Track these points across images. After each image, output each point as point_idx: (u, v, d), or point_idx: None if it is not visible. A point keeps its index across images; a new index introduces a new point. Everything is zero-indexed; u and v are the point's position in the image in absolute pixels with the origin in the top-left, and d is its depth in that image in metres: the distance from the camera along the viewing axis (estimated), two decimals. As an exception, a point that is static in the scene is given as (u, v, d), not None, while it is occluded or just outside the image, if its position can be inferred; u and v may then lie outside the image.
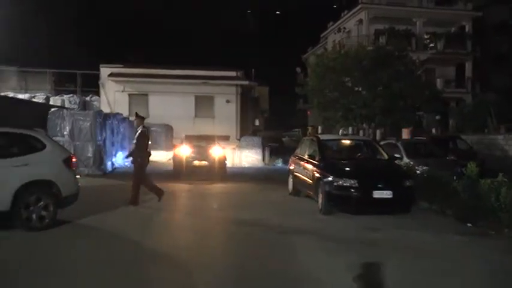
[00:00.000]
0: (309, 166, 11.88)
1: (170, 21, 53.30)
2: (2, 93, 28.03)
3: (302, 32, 53.59)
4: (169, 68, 30.30)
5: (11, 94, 28.72)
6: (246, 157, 25.20)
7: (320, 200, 10.67)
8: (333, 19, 43.17)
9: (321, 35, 46.75)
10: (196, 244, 8.10)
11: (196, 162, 17.23)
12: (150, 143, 12.09)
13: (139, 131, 11.72)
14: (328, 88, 25.11)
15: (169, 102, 28.87)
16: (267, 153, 26.33)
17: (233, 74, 31.21)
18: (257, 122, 41.46)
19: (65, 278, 6.03)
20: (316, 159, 11.65)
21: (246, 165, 24.50)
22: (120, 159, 20.77)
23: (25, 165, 8.33)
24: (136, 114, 12.48)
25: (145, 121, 24.39)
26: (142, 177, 11.60)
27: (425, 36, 36.74)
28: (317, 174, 11.07)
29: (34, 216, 8.36)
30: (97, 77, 31.37)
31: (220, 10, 59.54)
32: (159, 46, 47.00)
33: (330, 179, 10.35)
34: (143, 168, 11.64)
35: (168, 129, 27.20)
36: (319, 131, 33.08)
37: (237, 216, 10.56)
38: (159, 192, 11.85)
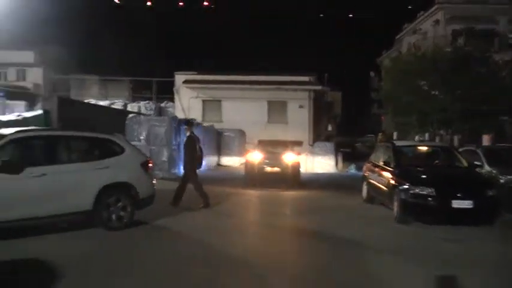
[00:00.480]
0: (384, 173, 11.56)
1: (242, 28, 54.03)
2: (85, 100, 29.57)
3: (376, 35, 52.55)
4: (242, 74, 30.68)
5: (92, 101, 30.21)
6: (319, 163, 24.97)
7: (395, 208, 10.34)
8: (408, 20, 42.02)
9: (396, 38, 45.67)
10: (267, 250, 8.09)
11: (268, 169, 16.84)
12: (200, 147, 12.17)
13: (186, 137, 12.11)
14: (403, 92, 24.41)
15: (242, 107, 29.22)
16: (340, 159, 25.98)
17: (306, 79, 31.12)
18: (329, 128, 41.06)
19: (135, 277, 6.23)
20: (391, 166, 11.32)
21: (319, 171, 24.28)
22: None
23: (106, 168, 8.73)
24: (186, 121, 12.88)
25: (219, 126, 24.84)
26: (194, 180, 11.82)
27: (510, 36, 34.82)
28: (392, 182, 10.75)
29: (113, 216, 8.74)
30: (172, 84, 32.35)
31: (292, 15, 59.56)
32: (232, 52, 47.72)
33: (406, 186, 10.01)
34: (195, 172, 11.91)
35: (241, 134, 27.49)
36: (394, 137, 32.23)
37: (308, 223, 10.46)
38: (207, 201, 11.78)
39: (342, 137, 41.68)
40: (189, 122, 12.82)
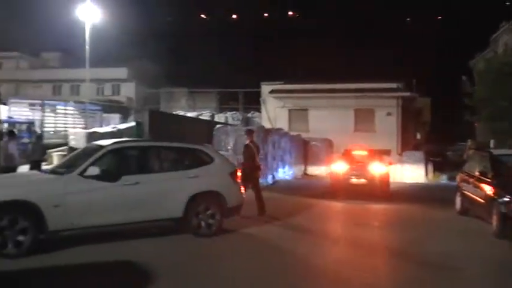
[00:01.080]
0: (480, 184, 10.90)
1: (327, 35, 53.63)
2: (174, 112, 30.72)
3: (468, 35, 50.01)
4: (328, 82, 30.43)
5: (181, 112, 31.30)
6: (408, 173, 24.13)
7: (494, 222, 9.71)
8: (506, 18, 39.55)
9: (491, 38, 43.19)
10: (357, 262, 7.90)
11: (354, 180, 15.99)
12: (258, 154, 12.24)
13: (244, 145, 12.25)
14: (499, 96, 22.99)
15: (328, 116, 28.96)
16: (430, 169, 24.95)
17: (393, 85, 30.29)
18: (418, 136, 39.61)
19: (224, 284, 6.34)
20: (489, 176, 10.66)
21: (408, 182, 23.45)
22: (281, 172, 21.31)
23: (196, 177, 9.00)
24: (247, 130, 13.21)
25: (306, 135, 24.67)
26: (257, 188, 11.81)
27: None
28: (490, 194, 10.11)
29: (203, 223, 8.96)
30: (258, 95, 32.76)
31: (377, 19, 58.30)
32: (318, 61, 47.48)
33: (507, 199, 9.37)
34: (257, 179, 11.98)
35: (328, 143, 27.22)
36: (491, 145, 30.39)
37: (397, 236, 10.14)
38: (262, 210, 11.60)
39: (431, 145, 39.99)
40: (249, 131, 13.00)
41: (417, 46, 54.17)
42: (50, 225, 7.53)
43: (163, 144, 9.61)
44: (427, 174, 24.58)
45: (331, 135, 27.53)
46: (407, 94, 30.41)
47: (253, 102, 34.46)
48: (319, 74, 35.13)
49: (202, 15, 35.40)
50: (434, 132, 48.81)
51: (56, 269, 6.95)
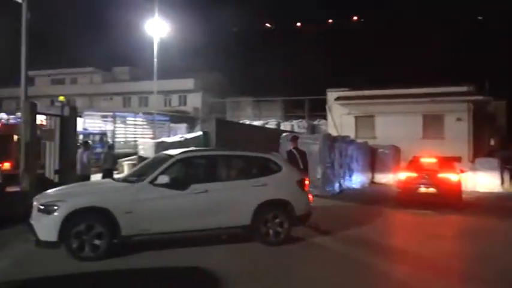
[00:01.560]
0: None
1: (393, 40, 52.49)
2: (240, 121, 31.05)
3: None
4: (395, 88, 29.72)
5: (247, 121, 31.55)
6: (481, 181, 22.98)
7: None
8: None
9: None
10: (434, 276, 7.59)
11: (423, 189, 15.30)
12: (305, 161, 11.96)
13: (287, 152, 12.22)
14: None
15: (395, 122, 28.25)
16: (506, 177, 23.66)
17: (464, 89, 29.09)
18: (492, 142, 37.80)
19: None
20: None
21: (481, 190, 22.34)
22: (348, 180, 20.97)
23: (264, 186, 9.03)
24: (292, 137, 13.15)
25: (373, 142, 24.11)
26: None
27: None
28: None
29: (271, 231, 8.95)
30: (324, 102, 32.50)
31: (444, 21, 56.44)
32: (384, 66, 46.55)
33: None
34: None
35: (396, 150, 26.49)
36: None
37: (471, 250, 9.68)
38: None
39: (508, 151, 37.99)
40: (293, 137, 12.97)
41: (491, 47, 51.91)
42: (123, 230, 7.86)
43: (231, 153, 9.78)
44: (502, 182, 23.29)
45: (399, 142, 26.73)
46: (479, 98, 29.10)
47: (319, 110, 34.21)
48: (385, 80, 34.41)
49: (267, 24, 35.62)
50: (510, 138, 46.44)
51: (128, 272, 7.23)
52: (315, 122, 33.81)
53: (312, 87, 36.49)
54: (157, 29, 33.20)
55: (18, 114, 22.31)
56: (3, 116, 26.99)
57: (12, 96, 46.07)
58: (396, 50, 50.30)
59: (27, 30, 13.73)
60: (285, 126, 32.15)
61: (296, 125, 32.52)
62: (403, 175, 16.29)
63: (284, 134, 19.67)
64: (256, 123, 32.01)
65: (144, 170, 9.15)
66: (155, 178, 8.24)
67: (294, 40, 50.92)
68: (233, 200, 8.74)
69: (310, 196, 9.89)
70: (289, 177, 9.43)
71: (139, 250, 8.12)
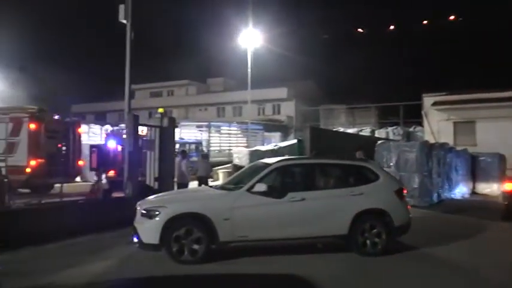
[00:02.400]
0: None
1: (494, 39, 49.44)
2: (334, 129, 30.76)
3: None
4: (499, 91, 27.93)
5: (341, 129, 31.19)
6: None
7: None
8: None
9: None
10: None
11: None
12: None
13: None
14: None
15: (499, 128, 26.51)
16: None
17: None
18: None
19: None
20: None
21: None
22: (447, 190, 19.97)
23: (361, 195, 8.83)
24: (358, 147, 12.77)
25: (473, 150, 22.81)
26: None
27: None
28: None
29: (368, 242, 8.72)
30: (419, 108, 31.34)
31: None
32: (485, 68, 43.93)
33: None
34: None
35: (500, 158, 24.82)
36: None
37: None
38: None
39: None
40: (359, 147, 12.50)
41: None
42: (221, 236, 8.05)
43: (327, 162, 9.70)
44: None
45: (503, 149, 24.93)
46: None
47: (415, 116, 33.04)
48: (487, 82, 32.51)
49: (359, 29, 35.00)
50: None
51: (225, 276, 7.42)
52: (411, 129, 32.66)
53: (406, 92, 35.35)
54: (250, 39, 33.85)
55: (121, 125, 23.73)
56: (108, 127, 28.84)
57: (116, 109, 49.28)
58: (498, 49, 47.29)
59: (131, 49, 14.63)
60: (380, 133, 31.35)
61: (391, 132, 31.59)
62: (510, 185, 15.15)
63: (379, 142, 19.18)
64: (350, 130, 31.53)
65: (241, 178, 9.34)
66: (252, 186, 8.37)
67: (386, 43, 49.58)
68: (330, 209, 8.64)
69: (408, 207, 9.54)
70: (387, 186, 9.15)
71: (235, 256, 8.25)
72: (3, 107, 20.63)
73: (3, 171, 16.13)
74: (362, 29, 36.79)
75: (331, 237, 8.75)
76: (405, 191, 9.62)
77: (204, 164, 16.62)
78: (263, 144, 31.57)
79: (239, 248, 8.31)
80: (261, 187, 8.31)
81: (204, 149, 28.53)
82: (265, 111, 48.68)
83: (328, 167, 9.50)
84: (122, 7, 14.94)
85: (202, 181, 15.53)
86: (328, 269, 7.85)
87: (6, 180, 12.72)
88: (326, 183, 9.26)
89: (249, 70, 33.63)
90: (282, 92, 47.08)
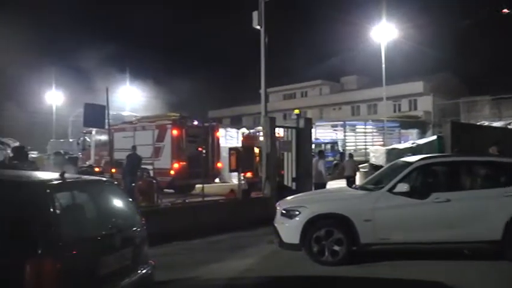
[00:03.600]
0: None
1: None
2: (478, 123, 28.60)
3: None
4: None
5: (485, 123, 28.91)
6: None
7: None
8: None
9: None
10: None
11: None
12: None
13: None
14: None
15: None
16: None
17: None
18: None
19: None
20: None
21: None
22: None
23: (514, 195, 8.02)
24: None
25: None
26: None
27: None
28: None
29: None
30: None
31: None
32: None
33: None
34: None
35: None
36: None
37: None
38: None
39: None
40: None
41: None
42: (362, 238, 7.85)
43: (474, 159, 9.03)
44: None
45: None
46: None
47: None
48: None
49: (504, 10, 31.61)
50: None
51: (365, 280, 7.24)
52: None
53: None
54: (384, 33, 32.87)
55: (258, 128, 24.43)
56: (244, 130, 29.85)
57: (251, 113, 50.96)
58: None
59: (266, 54, 15.00)
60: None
61: (547, 124, 28.47)
62: None
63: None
64: (496, 124, 29.05)
65: (381, 177, 9.07)
66: (394, 186, 8.03)
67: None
68: (480, 211, 7.95)
69: None
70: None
71: (375, 259, 7.97)
72: (150, 116, 22.48)
73: (151, 174, 17.63)
74: (508, 9, 33.32)
75: (481, 243, 8.01)
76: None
77: (351, 164, 16.80)
78: (400, 142, 30.42)
79: (380, 250, 8.05)
80: (403, 187, 7.94)
81: (340, 148, 28.29)
82: (401, 107, 46.94)
83: (475, 165, 8.79)
84: (255, 14, 15.39)
85: (350, 180, 15.66)
86: (479, 280, 7.21)
87: (154, 181, 13.85)
88: (473, 183, 8.57)
89: (383, 66, 32.62)
90: (418, 87, 44.96)
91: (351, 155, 18.61)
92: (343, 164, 18.04)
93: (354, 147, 29.98)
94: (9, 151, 22.22)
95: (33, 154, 30.60)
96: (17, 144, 23.57)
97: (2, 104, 42.71)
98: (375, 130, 32.47)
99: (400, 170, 8.40)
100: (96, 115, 10.91)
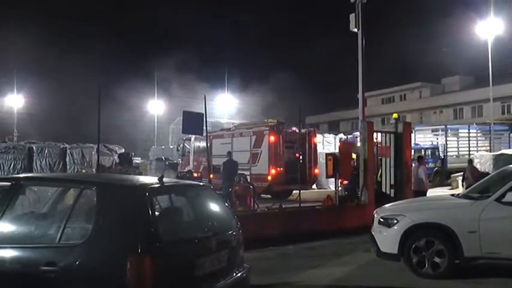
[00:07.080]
0: None
1: None
2: None
3: None
4: None
5: None
6: None
7: None
8: None
9: None
10: None
11: None
12: None
13: None
14: None
15: None
16: None
17: None
18: None
19: None
20: None
21: None
22: None
23: None
24: None
25: None
26: None
27: None
28: None
29: None
30: None
31: None
32: None
33: None
34: None
35: None
36: None
37: None
38: None
39: None
40: None
41: None
42: (466, 251, 7.31)
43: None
44: None
45: None
46: None
47: None
48: None
49: None
50: None
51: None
52: None
53: None
54: (491, 29, 30.92)
55: (355, 133, 23.99)
56: (342, 136, 29.46)
57: (348, 118, 50.24)
58: None
59: (363, 56, 14.73)
60: None
61: None
62: None
63: None
64: None
65: (488, 185, 8.42)
66: (503, 195, 7.37)
67: None
68: None
69: None
70: None
71: (483, 275, 7.42)
72: (248, 123, 22.96)
73: (249, 179, 17.92)
74: None
75: None
76: None
77: (472, 170, 15.99)
78: (509, 147, 28.38)
79: (488, 265, 7.47)
80: (514, 196, 7.29)
81: (441, 154, 27.01)
82: (510, 109, 43.91)
83: None
84: (352, 16, 15.14)
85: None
86: None
87: (251, 187, 14.06)
88: None
89: (490, 64, 30.66)
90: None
91: (470, 161, 17.49)
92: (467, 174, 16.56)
93: (456, 153, 28.43)
94: (115, 157, 23.64)
95: (137, 160, 32.50)
96: (122, 150, 24.99)
97: (111, 114, 45.80)
98: (479, 134, 30.53)
99: (510, 177, 7.69)
100: (194, 122, 11.31)
